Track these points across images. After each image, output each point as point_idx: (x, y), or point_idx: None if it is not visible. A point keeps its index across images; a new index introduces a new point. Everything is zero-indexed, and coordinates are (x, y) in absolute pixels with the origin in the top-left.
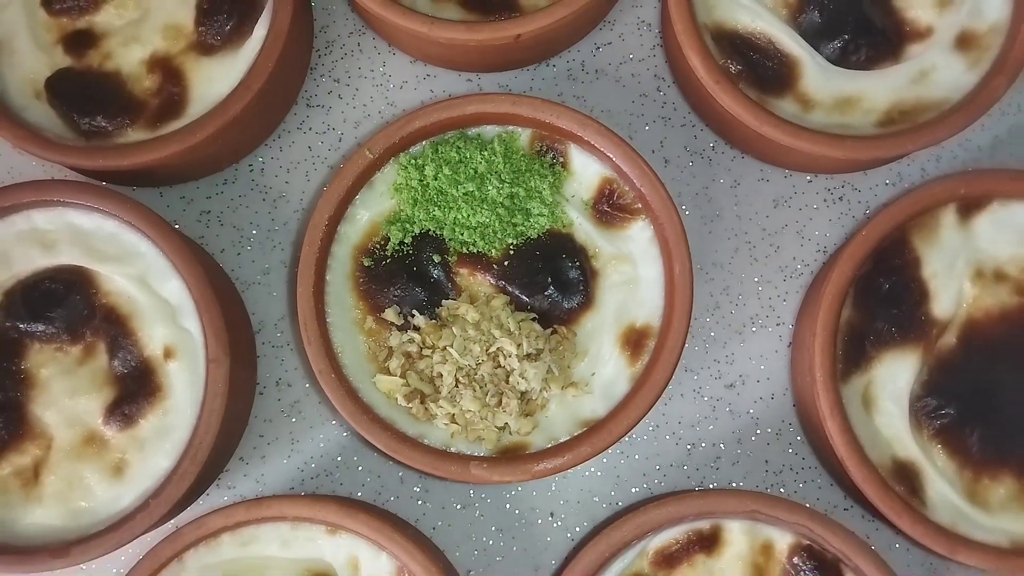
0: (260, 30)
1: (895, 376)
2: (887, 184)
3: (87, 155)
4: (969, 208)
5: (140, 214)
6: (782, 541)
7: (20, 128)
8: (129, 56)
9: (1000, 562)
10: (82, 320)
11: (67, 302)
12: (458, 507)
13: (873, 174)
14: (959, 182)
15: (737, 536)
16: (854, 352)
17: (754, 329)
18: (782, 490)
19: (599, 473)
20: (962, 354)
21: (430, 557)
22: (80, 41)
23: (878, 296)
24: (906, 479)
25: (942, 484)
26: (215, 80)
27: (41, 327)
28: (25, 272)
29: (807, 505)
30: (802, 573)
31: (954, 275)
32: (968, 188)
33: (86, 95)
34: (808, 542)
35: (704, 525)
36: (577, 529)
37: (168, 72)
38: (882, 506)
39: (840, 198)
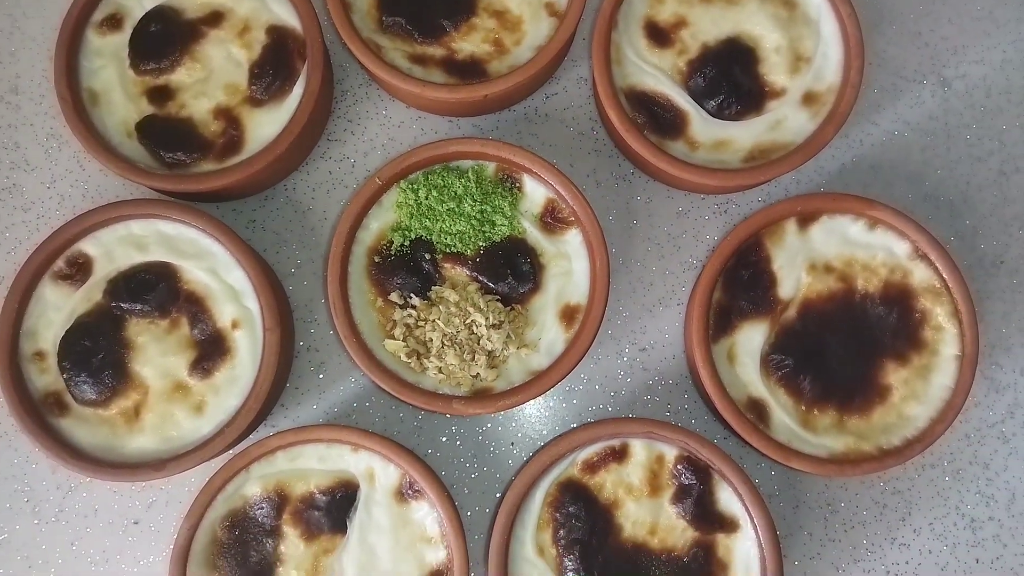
0: (298, 89)
1: (751, 339)
2: (759, 200)
3: (173, 181)
4: (806, 220)
5: (212, 224)
6: (670, 453)
7: (121, 160)
8: (199, 106)
9: (819, 468)
10: (169, 301)
11: (158, 288)
12: (443, 439)
13: (749, 193)
14: (798, 202)
15: (639, 450)
16: (722, 322)
17: (661, 307)
18: (678, 425)
19: (547, 414)
20: (799, 323)
21: (425, 470)
22: (160, 94)
23: (740, 282)
24: (756, 411)
25: (782, 415)
26: (264, 125)
27: (138, 306)
28: (125, 266)
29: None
30: (683, 475)
31: (795, 268)
32: (804, 207)
33: (168, 136)
34: (688, 454)
35: (616, 443)
36: (531, 454)
37: (229, 119)
38: (738, 429)
39: (725, 211)
